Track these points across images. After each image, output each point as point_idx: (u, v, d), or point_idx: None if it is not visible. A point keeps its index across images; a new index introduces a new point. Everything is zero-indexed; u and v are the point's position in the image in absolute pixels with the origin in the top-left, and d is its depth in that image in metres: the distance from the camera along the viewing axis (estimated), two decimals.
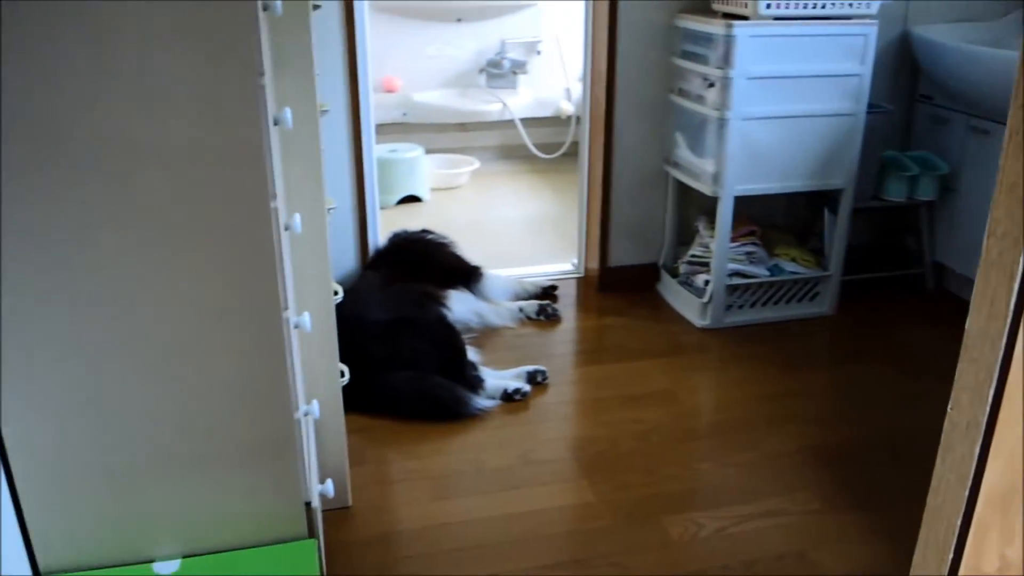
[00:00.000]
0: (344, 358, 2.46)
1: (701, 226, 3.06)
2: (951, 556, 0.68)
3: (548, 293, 3.19)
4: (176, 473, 1.42)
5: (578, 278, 3.38)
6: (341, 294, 2.06)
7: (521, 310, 3.01)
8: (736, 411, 2.45)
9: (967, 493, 0.67)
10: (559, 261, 3.51)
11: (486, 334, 2.90)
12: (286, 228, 1.52)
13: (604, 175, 3.13)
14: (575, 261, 3.44)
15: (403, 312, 2.57)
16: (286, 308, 1.40)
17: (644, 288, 3.26)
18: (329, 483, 1.81)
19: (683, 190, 3.09)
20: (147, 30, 1.16)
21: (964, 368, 0.70)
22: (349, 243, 2.98)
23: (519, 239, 3.86)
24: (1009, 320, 0.62)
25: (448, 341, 2.54)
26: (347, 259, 3.00)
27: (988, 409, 0.65)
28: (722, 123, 2.71)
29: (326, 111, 1.93)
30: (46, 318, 1.26)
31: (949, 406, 0.73)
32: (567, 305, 3.15)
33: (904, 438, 2.32)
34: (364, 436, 2.31)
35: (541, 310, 3.02)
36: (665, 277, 3.20)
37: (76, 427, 1.33)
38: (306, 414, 1.67)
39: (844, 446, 2.29)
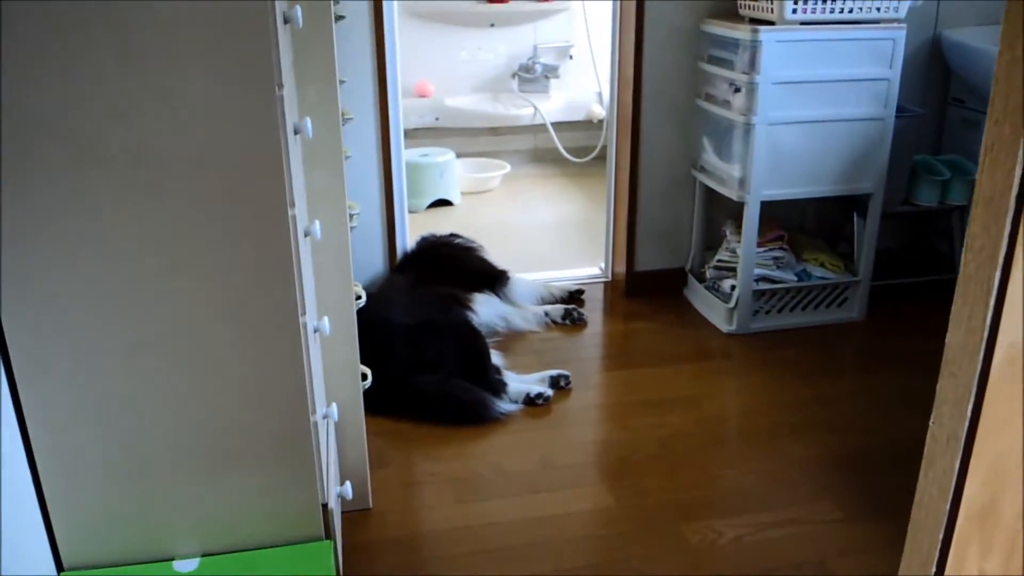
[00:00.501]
0: (368, 361, 2.49)
1: (728, 231, 3.05)
2: (933, 570, 0.68)
3: (575, 297, 3.20)
4: (195, 473, 1.46)
5: (605, 282, 3.39)
6: (364, 298, 2.10)
7: (547, 314, 3.03)
8: (760, 418, 2.44)
9: (948, 507, 0.67)
10: (587, 265, 3.52)
11: (511, 338, 2.92)
12: (306, 234, 1.55)
13: (631, 180, 3.13)
14: (602, 265, 3.45)
15: (428, 315, 2.59)
16: (303, 313, 1.44)
17: (671, 293, 3.25)
18: (347, 485, 1.84)
19: (710, 195, 3.08)
20: (172, 47, 1.21)
21: (944, 383, 0.70)
22: (377, 246, 3.02)
23: (547, 243, 3.87)
24: (986, 334, 0.62)
25: (472, 345, 2.56)
26: (375, 262, 3.04)
27: (967, 424, 0.66)
28: (748, 128, 2.70)
29: (350, 119, 1.97)
30: (70, 320, 1.30)
31: (931, 420, 0.73)
32: (593, 309, 3.16)
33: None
34: (387, 439, 2.35)
35: (567, 314, 3.03)
36: (692, 282, 3.19)
37: (99, 427, 1.37)
38: (324, 417, 1.70)
39: (869, 455, 2.27)
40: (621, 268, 3.28)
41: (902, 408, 2.49)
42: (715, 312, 3.02)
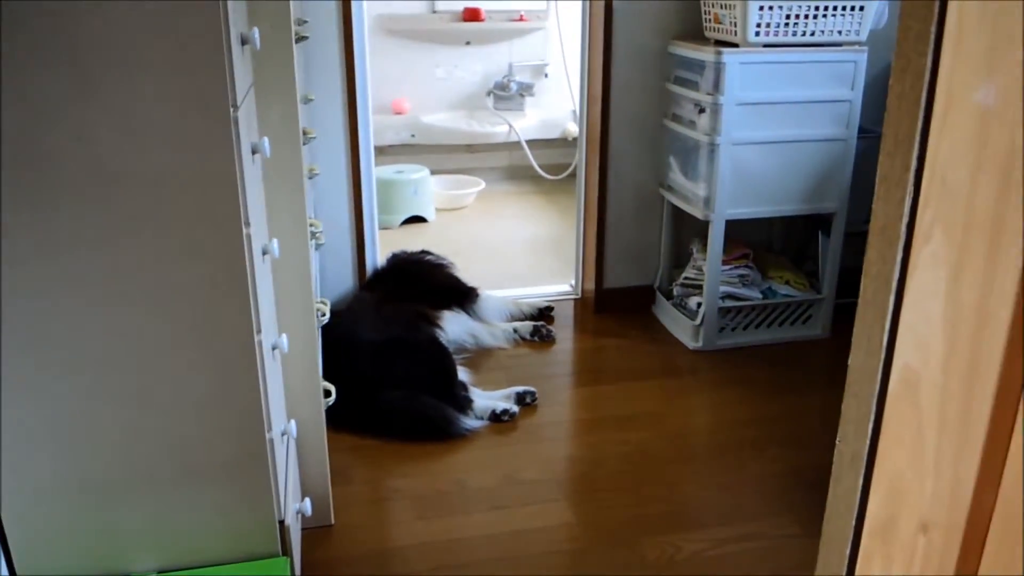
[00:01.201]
0: (335, 377, 2.50)
1: (695, 248, 3.09)
2: None
3: (544, 314, 3.23)
4: (151, 489, 1.47)
5: (575, 299, 3.42)
6: (328, 315, 2.11)
7: (515, 331, 3.05)
8: (723, 433, 2.47)
9: (854, 522, 0.69)
10: (558, 282, 3.55)
11: (480, 355, 2.94)
12: (264, 253, 1.57)
13: (600, 198, 3.17)
14: (572, 282, 3.48)
15: (395, 332, 2.61)
16: (259, 332, 1.45)
17: (639, 310, 3.29)
18: (307, 501, 1.85)
19: (678, 213, 3.12)
20: (128, 69, 1.23)
21: (848, 403, 0.73)
22: (346, 264, 3.04)
23: (520, 260, 3.90)
24: (883, 356, 0.65)
25: (439, 362, 2.58)
26: (344, 279, 3.06)
27: (868, 442, 0.68)
28: (713, 148, 2.75)
29: (312, 138, 1.99)
30: (25, 337, 1.31)
31: (838, 438, 0.75)
32: (563, 326, 3.18)
33: None
34: (352, 455, 2.36)
35: (536, 331, 3.06)
36: (659, 299, 3.23)
37: (53, 443, 1.38)
38: (283, 433, 1.71)
39: (828, 471, 2.29)
40: (590, 285, 3.31)
41: None
42: (682, 329, 3.05)
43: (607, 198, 3.17)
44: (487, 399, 2.57)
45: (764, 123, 2.76)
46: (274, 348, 1.64)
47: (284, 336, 1.67)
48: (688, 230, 3.19)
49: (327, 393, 2.20)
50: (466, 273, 3.34)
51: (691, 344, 2.99)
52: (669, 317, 3.15)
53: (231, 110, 1.30)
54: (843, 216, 2.94)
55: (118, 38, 1.21)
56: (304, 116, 2.57)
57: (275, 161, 1.74)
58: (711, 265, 2.88)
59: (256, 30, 1.44)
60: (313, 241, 2.04)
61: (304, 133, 1.99)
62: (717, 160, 2.75)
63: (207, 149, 1.30)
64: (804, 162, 2.83)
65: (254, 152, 1.50)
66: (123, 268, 1.32)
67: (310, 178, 2.50)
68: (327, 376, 2.52)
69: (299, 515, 1.85)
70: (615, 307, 3.27)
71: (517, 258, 3.92)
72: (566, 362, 2.94)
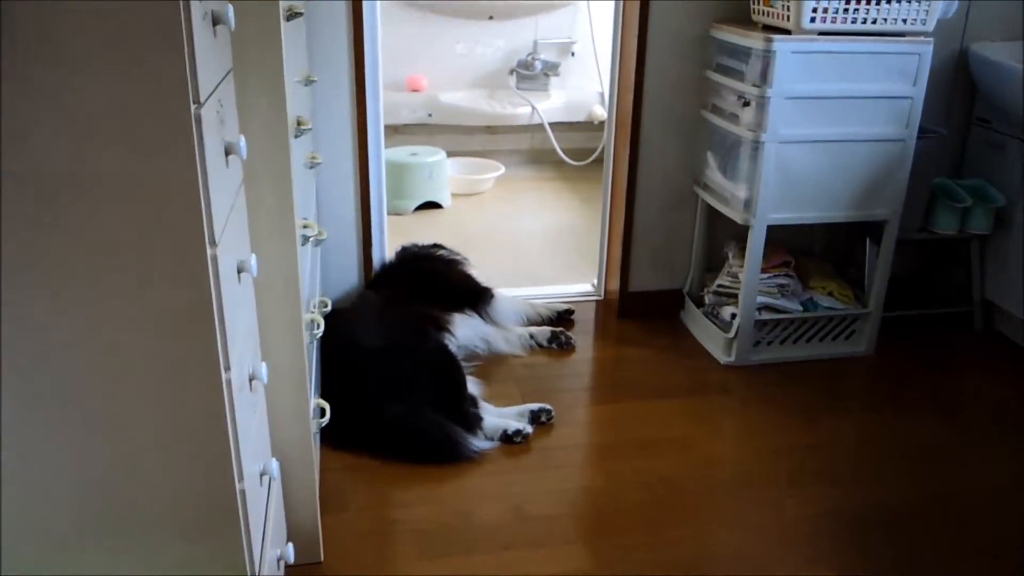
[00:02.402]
0: (331, 387, 2.29)
1: (731, 253, 2.84)
2: None
3: (563, 318, 2.99)
4: (104, 541, 1.25)
5: (597, 301, 3.18)
6: (321, 329, 1.89)
7: (532, 337, 2.82)
8: (756, 464, 2.23)
9: None
10: (579, 281, 3.30)
11: (492, 362, 2.70)
12: (240, 271, 1.34)
13: (629, 193, 2.91)
14: (595, 282, 3.23)
15: (399, 338, 2.38)
16: (228, 368, 1.22)
17: (666, 316, 3.04)
18: (290, 547, 1.64)
19: (713, 213, 2.86)
20: (70, 58, 0.99)
21: None
22: (351, 258, 2.81)
23: (539, 254, 3.65)
24: None
25: (446, 373, 2.35)
26: (348, 275, 2.83)
27: None
28: (757, 145, 2.48)
29: (307, 129, 1.75)
30: None
31: None
32: (583, 332, 2.94)
33: (944, 504, 2.09)
34: (347, 476, 2.14)
35: (553, 338, 2.82)
36: (689, 306, 2.98)
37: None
38: (262, 474, 1.49)
39: (872, 514, 2.06)
40: (615, 286, 3.06)
41: (910, 459, 2.28)
42: (713, 341, 2.80)
43: (636, 194, 2.92)
44: (498, 417, 2.34)
45: (815, 119, 2.49)
46: (252, 379, 1.41)
47: (264, 365, 1.44)
48: (723, 232, 2.93)
49: (321, 412, 1.99)
50: (481, 268, 3.10)
51: (722, 358, 2.74)
52: (699, 326, 2.90)
53: (192, 106, 1.06)
54: (896, 224, 2.68)
55: (58, 15, 0.97)
56: (306, 99, 2.33)
57: (260, 160, 1.50)
58: (749, 274, 2.62)
59: (230, 7, 1.19)
60: (311, 239, 1.81)
61: (299, 124, 1.75)
62: (761, 159, 2.49)
63: (161, 154, 1.06)
64: (857, 164, 2.57)
65: (228, 153, 1.27)
66: (65, 290, 1.09)
67: (310, 168, 2.26)
68: (324, 385, 2.30)
69: (281, 562, 1.63)
70: (640, 312, 3.03)
71: (536, 252, 3.67)
72: (585, 374, 2.71)
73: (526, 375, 2.65)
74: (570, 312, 3.01)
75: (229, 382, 1.23)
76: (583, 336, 2.91)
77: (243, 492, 1.30)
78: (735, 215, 2.62)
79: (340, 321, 2.43)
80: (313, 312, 1.97)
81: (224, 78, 1.29)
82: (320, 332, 1.89)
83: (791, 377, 2.67)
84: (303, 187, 2.02)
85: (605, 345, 2.88)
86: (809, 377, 2.67)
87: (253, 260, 1.35)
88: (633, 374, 2.68)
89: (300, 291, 1.61)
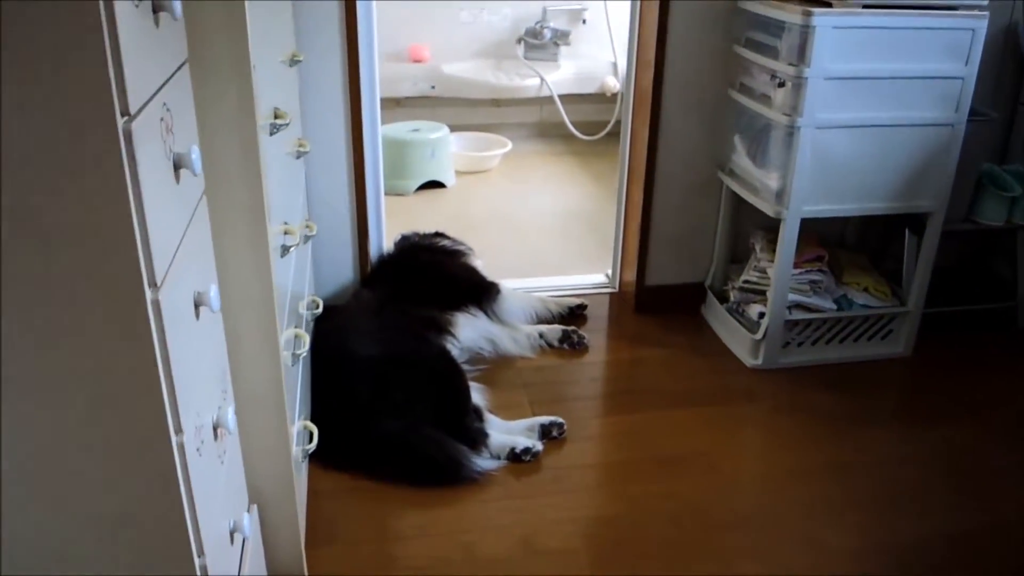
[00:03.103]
0: (322, 401, 2.08)
1: (758, 245, 2.61)
2: None
3: (575, 314, 2.77)
4: None
5: (611, 293, 2.95)
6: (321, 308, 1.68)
7: (541, 336, 2.60)
8: (789, 488, 2.02)
9: None
10: (592, 271, 3.08)
11: (498, 365, 2.49)
12: (198, 305, 1.12)
13: (647, 179, 2.68)
14: (609, 273, 3.01)
15: (396, 346, 2.17)
16: (179, 431, 1.01)
17: (686, 311, 2.82)
18: None
19: (738, 201, 2.63)
20: None
21: None
22: (345, 250, 2.58)
23: (548, 241, 3.42)
24: None
25: (448, 384, 2.14)
26: (342, 270, 2.61)
27: None
28: (791, 131, 2.24)
29: (283, 124, 1.52)
30: None
31: None
32: (596, 329, 2.73)
33: (1005, 536, 1.88)
34: (339, 502, 1.94)
35: (565, 337, 2.60)
36: (712, 301, 2.75)
37: None
38: (232, 531, 1.29)
39: (920, 548, 1.85)
40: (631, 278, 2.84)
41: (961, 479, 2.07)
42: (738, 341, 2.58)
43: (655, 179, 2.68)
44: (506, 433, 2.13)
45: (857, 102, 2.24)
46: (216, 428, 1.20)
47: (230, 411, 1.23)
48: (749, 221, 2.70)
49: (309, 436, 1.78)
50: (486, 257, 2.89)
51: (749, 360, 2.52)
52: (722, 324, 2.68)
53: (119, 120, 0.84)
54: (941, 216, 2.44)
55: None
56: (291, 81, 2.09)
57: (226, 163, 1.27)
58: (780, 271, 2.40)
59: None
60: (293, 247, 1.59)
61: (276, 117, 1.52)
62: (796, 146, 2.25)
63: (81, 183, 0.84)
64: (901, 151, 2.33)
65: (179, 167, 1.04)
66: None
67: (297, 157, 2.03)
68: (314, 398, 2.10)
69: None
70: (658, 307, 2.81)
71: (545, 239, 3.44)
72: (599, 379, 2.49)
73: (535, 380, 2.43)
74: (582, 307, 2.79)
75: (181, 446, 1.03)
76: (596, 334, 2.69)
77: (204, 567, 1.10)
78: (765, 206, 2.39)
79: (331, 326, 2.22)
80: (298, 326, 1.75)
81: (174, 74, 1.06)
82: (305, 351, 1.68)
83: (823, 383, 2.45)
84: (287, 183, 1.80)
85: (620, 345, 2.66)
86: (843, 383, 2.46)
87: (214, 292, 1.13)
88: (651, 379, 2.46)
89: (276, 312, 1.40)
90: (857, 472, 2.08)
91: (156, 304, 0.94)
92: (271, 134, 1.44)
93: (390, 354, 2.13)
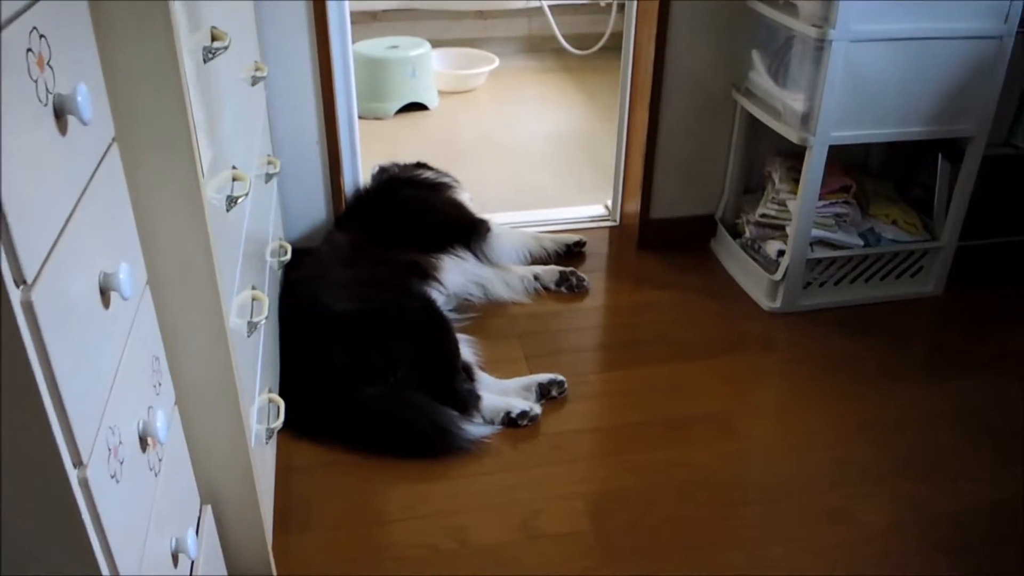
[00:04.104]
0: (292, 364, 1.85)
1: (776, 174, 2.35)
2: None
3: (572, 252, 2.52)
4: None
5: (612, 227, 2.70)
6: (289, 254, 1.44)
7: (536, 278, 2.35)
8: (814, 453, 1.82)
9: None
10: (589, 202, 2.82)
11: (489, 312, 2.25)
12: (104, 291, 0.87)
13: (652, 99, 2.39)
14: (609, 203, 2.75)
15: (374, 300, 1.92)
16: (79, 463, 0.78)
17: (695, 247, 2.57)
18: None
19: (754, 125, 2.36)
20: None
21: None
22: (316, 187, 2.31)
23: (541, 167, 3.14)
24: None
25: (434, 340, 1.90)
26: (314, 208, 2.34)
27: None
28: (821, 45, 1.96)
29: (222, 47, 1.23)
30: None
31: None
32: (596, 269, 2.48)
33: None
34: (312, 481, 1.72)
35: (562, 279, 2.35)
36: (723, 235, 2.51)
37: None
38: (177, 552, 1.06)
39: (966, 516, 1.65)
40: (633, 209, 2.58)
41: (1001, 438, 1.86)
42: (754, 281, 2.34)
43: (661, 99, 2.40)
44: (499, 393, 1.91)
45: (895, 12, 1.96)
46: (144, 439, 0.96)
47: (160, 415, 0.99)
48: (765, 146, 2.44)
49: (276, 411, 1.56)
50: (474, 188, 2.63)
51: (766, 303, 2.29)
52: (735, 262, 2.44)
53: None
54: (982, 141, 2.18)
55: None
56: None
57: (140, 98, 1.00)
58: (804, 205, 2.14)
59: None
60: (242, 196, 1.32)
61: (213, 39, 1.24)
62: (826, 62, 1.97)
63: None
64: (942, 67, 2.05)
65: (60, 116, 0.78)
66: None
67: (253, 84, 1.75)
68: (283, 360, 1.86)
69: None
70: (664, 242, 2.56)
71: (538, 165, 3.16)
72: (601, 327, 2.26)
73: (530, 329, 2.20)
74: (581, 244, 2.53)
75: (84, 481, 0.79)
76: (596, 275, 2.44)
77: None
78: (788, 131, 2.12)
79: (300, 277, 1.98)
80: (257, 285, 1.50)
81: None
82: (264, 317, 1.43)
83: (848, 328, 2.23)
84: (239, 116, 1.52)
85: (622, 286, 2.42)
86: (869, 328, 2.23)
87: (125, 272, 0.87)
88: (657, 326, 2.23)
89: (218, 282, 1.14)
90: (888, 432, 1.87)
91: (28, 307, 0.69)
92: (205, 60, 1.16)
93: (367, 309, 1.89)
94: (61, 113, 0.78)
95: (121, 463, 0.89)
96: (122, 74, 0.96)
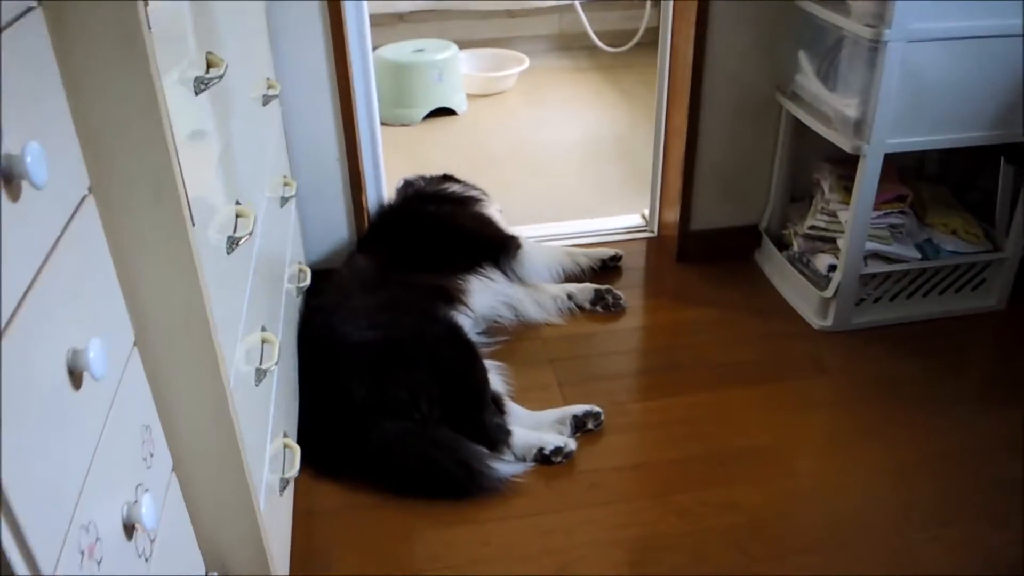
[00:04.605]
0: (311, 399, 1.74)
1: (825, 183, 2.19)
2: None
3: (608, 266, 2.38)
4: None
5: (649, 239, 2.56)
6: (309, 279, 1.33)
7: (570, 297, 2.23)
8: (875, 491, 1.67)
9: None
10: (625, 211, 2.68)
11: (520, 335, 2.13)
12: (74, 372, 0.76)
13: (692, 102, 2.25)
14: (646, 213, 2.61)
15: (397, 327, 1.81)
16: None
17: (739, 259, 2.43)
18: None
19: (801, 129, 2.20)
20: None
21: None
22: (337, 206, 2.20)
23: (574, 174, 3.01)
24: None
25: (460, 371, 1.79)
26: (335, 228, 2.23)
27: None
28: (876, 46, 1.81)
29: (217, 78, 1.12)
30: None
31: None
32: (632, 285, 2.35)
33: None
34: (334, 526, 1.61)
35: (598, 298, 2.23)
36: (768, 247, 2.36)
37: None
38: None
39: None
40: (672, 219, 2.44)
41: None
42: (802, 297, 2.20)
43: (701, 102, 2.26)
44: (532, 426, 1.79)
45: (955, 10, 1.80)
46: (130, 526, 0.86)
47: (147, 499, 0.88)
48: (813, 152, 2.28)
49: (292, 456, 1.45)
50: (503, 197, 2.51)
51: (816, 321, 2.15)
52: (782, 276, 2.29)
53: None
54: None
55: None
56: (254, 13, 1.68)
57: (118, 157, 0.89)
58: (857, 217, 1.99)
59: None
60: (245, 238, 1.22)
61: (210, 66, 1.13)
62: (881, 64, 1.81)
63: None
64: (1004, 68, 1.89)
65: (10, 181, 0.67)
66: None
67: (265, 104, 1.64)
68: (302, 393, 1.76)
69: None
70: (704, 255, 2.42)
71: (571, 172, 3.03)
72: (639, 350, 2.13)
73: (564, 354, 2.07)
74: (616, 259, 2.40)
75: None
76: (633, 291, 2.31)
77: None
78: (839, 139, 1.97)
79: (319, 305, 1.87)
80: (268, 327, 1.39)
81: None
82: (274, 363, 1.32)
83: (905, 347, 2.07)
84: (247, 143, 1.41)
85: (661, 303, 2.29)
86: (928, 346, 2.08)
87: (96, 349, 0.77)
88: (699, 348, 2.09)
89: (213, 337, 1.03)
90: (953, 467, 1.72)
91: None
92: (197, 92, 1.05)
93: (388, 338, 1.77)
94: (11, 177, 0.67)
95: (99, 562, 0.79)
96: (96, 120, 0.85)
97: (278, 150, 1.87)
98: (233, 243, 1.17)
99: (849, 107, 1.93)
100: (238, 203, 1.25)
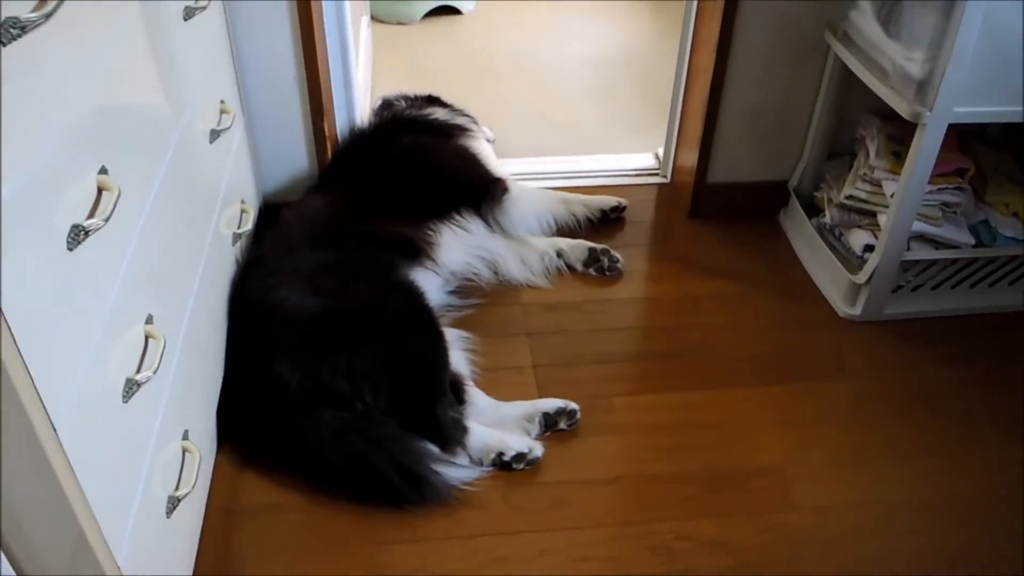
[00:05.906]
0: (236, 372, 1.49)
1: (871, 144, 1.85)
2: None
3: (609, 218, 2.07)
4: None
5: (661, 185, 2.24)
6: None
7: (560, 255, 1.93)
8: (896, 536, 1.42)
9: None
10: (637, 147, 2.35)
11: (496, 297, 1.85)
12: None
13: (723, 31, 1.89)
14: (660, 153, 2.28)
15: (344, 298, 1.52)
16: None
17: (761, 219, 2.12)
18: None
19: (849, 77, 1.85)
20: None
21: None
22: (295, 131, 1.88)
23: (584, 97, 2.66)
24: None
25: (415, 354, 1.51)
26: (293, 155, 1.92)
27: None
28: None
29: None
30: None
31: None
32: (635, 243, 2.04)
33: None
34: (253, 530, 1.37)
35: (592, 259, 1.93)
36: (796, 210, 2.04)
37: None
38: None
39: None
40: (688, 164, 2.12)
41: None
42: (829, 277, 1.90)
43: (732, 31, 1.90)
44: (495, 422, 1.53)
45: None
46: None
47: None
48: (859, 105, 1.93)
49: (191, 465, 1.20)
50: (502, 119, 2.19)
51: (843, 308, 1.85)
52: (809, 248, 1.98)
53: None
54: None
55: None
56: None
57: None
58: (908, 194, 1.66)
59: None
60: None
61: None
62: (959, 16, 1.45)
63: None
64: None
65: None
66: None
67: (187, 19, 1.32)
68: (227, 363, 1.50)
69: None
70: (723, 211, 2.11)
71: (580, 94, 2.67)
72: (632, 328, 1.83)
73: (544, 326, 1.79)
74: (619, 209, 2.09)
75: None
76: (635, 251, 2.00)
77: None
78: (897, 101, 1.62)
79: (256, 260, 1.59)
80: (151, 324, 1.11)
81: None
82: (153, 372, 1.04)
83: (945, 346, 1.78)
84: (149, 69, 1.11)
85: (665, 271, 1.98)
86: (973, 347, 1.78)
87: None
88: (703, 330, 1.80)
89: (32, 376, 0.76)
90: (991, 510, 1.46)
91: None
92: (5, 43, 0.73)
93: (332, 311, 1.49)
94: None
95: None
96: None
97: (212, 72, 1.55)
98: (81, 233, 0.87)
99: (913, 62, 1.57)
100: (103, 170, 0.95)
